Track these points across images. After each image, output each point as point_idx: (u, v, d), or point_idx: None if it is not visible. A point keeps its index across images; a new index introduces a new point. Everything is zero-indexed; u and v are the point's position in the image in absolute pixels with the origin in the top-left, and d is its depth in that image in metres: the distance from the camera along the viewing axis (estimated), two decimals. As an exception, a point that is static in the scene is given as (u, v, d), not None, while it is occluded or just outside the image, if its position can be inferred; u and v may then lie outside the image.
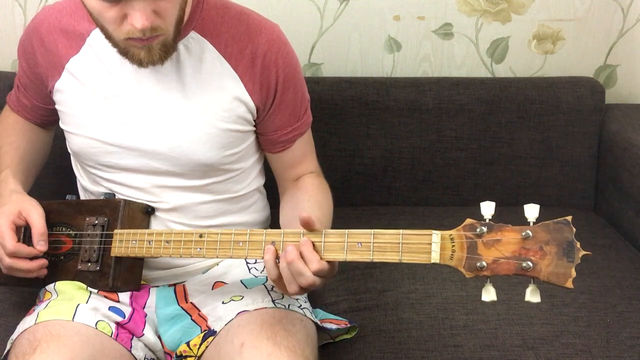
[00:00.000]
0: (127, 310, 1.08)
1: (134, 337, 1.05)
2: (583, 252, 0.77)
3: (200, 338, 1.02)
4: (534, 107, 1.55)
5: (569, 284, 0.76)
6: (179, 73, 1.07)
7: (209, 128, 1.08)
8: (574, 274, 0.76)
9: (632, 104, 1.68)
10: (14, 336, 1.02)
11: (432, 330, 1.16)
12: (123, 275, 1.07)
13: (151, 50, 0.96)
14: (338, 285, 1.31)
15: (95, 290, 1.08)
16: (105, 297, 1.08)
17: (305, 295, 1.16)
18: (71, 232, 1.11)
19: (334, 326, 1.11)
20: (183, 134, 1.07)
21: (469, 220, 0.82)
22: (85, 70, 1.09)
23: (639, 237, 1.44)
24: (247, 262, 1.17)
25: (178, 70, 1.06)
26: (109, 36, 0.97)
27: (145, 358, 1.05)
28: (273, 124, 1.13)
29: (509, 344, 1.13)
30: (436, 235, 0.83)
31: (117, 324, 1.04)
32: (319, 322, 1.08)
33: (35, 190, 1.22)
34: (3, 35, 1.61)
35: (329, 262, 0.89)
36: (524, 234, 0.78)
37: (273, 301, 1.04)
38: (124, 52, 0.98)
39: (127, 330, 1.05)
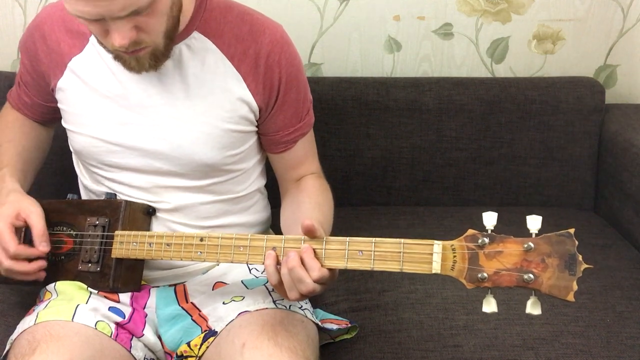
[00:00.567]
0: (127, 311, 1.07)
1: (134, 338, 1.05)
2: (585, 266, 0.77)
3: (201, 338, 1.02)
4: (534, 107, 1.55)
5: (571, 297, 0.76)
6: (181, 73, 1.06)
7: (211, 128, 1.07)
8: (575, 287, 0.76)
9: (632, 104, 1.68)
10: (13, 336, 1.02)
11: (432, 330, 1.16)
12: (123, 276, 1.07)
13: (140, 60, 0.97)
14: (338, 285, 1.31)
15: (95, 291, 1.08)
16: (106, 297, 1.08)
17: (306, 296, 1.17)
18: (72, 232, 1.11)
19: (334, 326, 1.11)
20: (185, 134, 1.07)
21: (470, 231, 0.82)
22: (88, 69, 1.09)
23: (639, 237, 1.44)
24: (250, 264, 1.17)
25: (180, 70, 1.06)
26: (100, 43, 0.99)
27: (145, 358, 1.05)
28: (275, 124, 1.13)
29: (509, 344, 1.13)
30: (437, 246, 0.83)
31: (117, 324, 1.04)
32: (319, 324, 1.08)
33: (36, 189, 1.22)
34: (3, 35, 1.61)
35: (329, 269, 0.89)
36: (525, 245, 0.78)
37: (274, 302, 1.04)
38: (117, 59, 1.00)
39: (126, 330, 1.05)
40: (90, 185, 1.17)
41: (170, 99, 1.07)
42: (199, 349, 1.01)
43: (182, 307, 1.10)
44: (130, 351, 1.03)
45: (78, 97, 1.10)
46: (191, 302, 1.11)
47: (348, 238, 0.88)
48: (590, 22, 1.63)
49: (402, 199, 1.61)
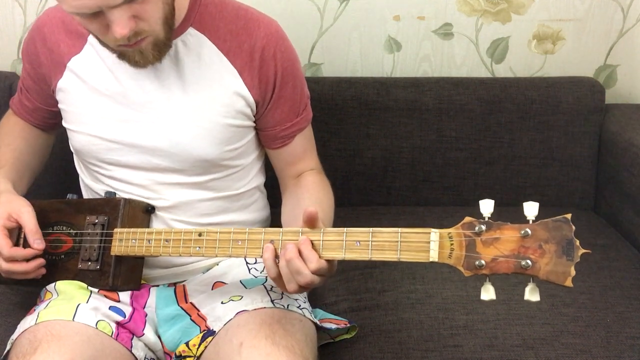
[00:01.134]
0: (128, 310, 1.08)
1: (134, 337, 1.05)
2: (583, 251, 0.76)
3: (200, 338, 1.02)
4: (534, 107, 1.55)
5: (569, 283, 0.75)
6: (177, 69, 1.07)
7: (208, 123, 1.08)
8: (573, 272, 0.76)
9: (632, 104, 1.68)
10: (14, 336, 1.02)
11: (432, 330, 1.16)
12: (123, 275, 1.07)
13: (143, 52, 0.98)
14: (338, 285, 1.31)
15: (96, 290, 1.08)
16: (106, 296, 1.08)
17: (305, 295, 1.17)
18: (71, 231, 1.11)
19: (333, 326, 1.11)
20: (183, 130, 1.08)
21: (467, 219, 0.81)
22: (86, 68, 1.10)
23: (639, 237, 1.44)
24: (247, 263, 1.17)
25: (177, 66, 1.07)
26: (102, 43, 0.99)
27: (145, 358, 1.06)
28: (272, 119, 1.13)
29: (509, 344, 1.13)
30: (435, 234, 0.83)
31: (118, 323, 1.04)
32: (318, 322, 1.08)
33: (36, 189, 1.23)
34: (3, 35, 1.61)
35: (327, 261, 0.89)
36: (523, 232, 0.78)
37: (272, 301, 1.04)
38: (121, 56, 1.00)
39: (127, 330, 1.05)
40: (91, 183, 1.17)
41: (167, 96, 1.07)
42: (198, 349, 1.01)
43: (181, 307, 1.10)
44: (131, 350, 1.03)
45: (77, 96, 1.11)
46: (190, 302, 1.11)
47: (345, 229, 0.88)
48: (590, 22, 1.63)
49: (402, 199, 1.61)
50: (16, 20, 1.60)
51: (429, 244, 0.83)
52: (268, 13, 1.13)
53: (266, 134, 1.15)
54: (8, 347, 1.02)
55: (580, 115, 1.56)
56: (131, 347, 1.03)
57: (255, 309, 1.01)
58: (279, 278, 0.91)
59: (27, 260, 1.06)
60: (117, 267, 1.06)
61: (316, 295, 1.29)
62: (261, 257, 0.92)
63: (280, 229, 0.93)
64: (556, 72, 1.67)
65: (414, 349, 1.13)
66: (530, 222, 0.78)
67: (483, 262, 0.79)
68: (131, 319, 1.06)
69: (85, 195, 1.22)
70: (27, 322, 1.02)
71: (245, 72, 1.08)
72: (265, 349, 0.93)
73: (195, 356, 1.02)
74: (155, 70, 1.06)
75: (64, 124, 1.16)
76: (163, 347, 1.08)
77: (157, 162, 1.10)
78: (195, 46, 1.07)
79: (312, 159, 1.20)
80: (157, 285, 1.15)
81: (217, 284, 1.12)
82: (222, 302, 1.06)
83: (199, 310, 1.09)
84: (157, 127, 1.08)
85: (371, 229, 0.87)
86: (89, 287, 1.08)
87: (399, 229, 0.85)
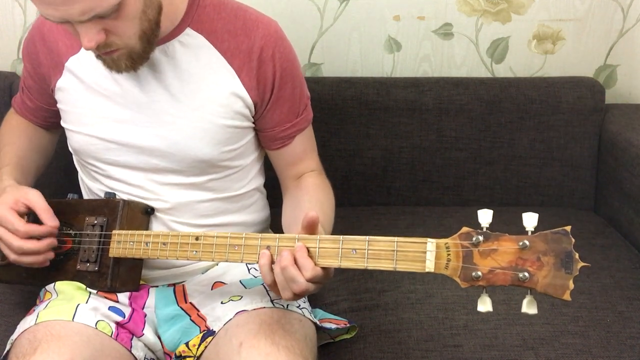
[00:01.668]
0: (127, 310, 1.08)
1: (134, 337, 1.05)
2: (582, 264, 0.75)
3: (199, 338, 1.02)
4: (534, 107, 1.55)
5: (567, 296, 0.74)
6: (175, 70, 1.07)
7: (206, 124, 1.08)
8: (571, 285, 0.74)
9: (632, 104, 1.68)
10: (14, 336, 1.02)
11: (432, 330, 1.16)
12: (121, 276, 1.07)
13: (115, 61, 0.97)
14: (338, 285, 1.31)
15: (95, 291, 1.08)
16: (105, 297, 1.08)
17: (305, 295, 1.17)
18: (71, 231, 1.11)
19: (333, 326, 1.11)
20: (180, 130, 1.07)
21: (465, 229, 0.80)
22: (84, 68, 1.10)
23: (639, 237, 1.44)
24: (246, 263, 1.17)
25: (175, 67, 1.07)
26: None
27: (145, 358, 1.06)
28: (271, 119, 1.13)
29: (509, 344, 1.13)
30: (431, 244, 0.82)
31: (117, 323, 1.04)
32: (317, 322, 1.08)
33: (36, 189, 1.22)
34: (3, 35, 1.61)
35: (323, 268, 0.88)
36: (521, 243, 0.76)
37: (272, 301, 1.04)
38: (97, 58, 1.00)
39: (127, 330, 1.05)
40: (90, 183, 1.17)
41: (165, 96, 1.07)
42: (197, 349, 1.01)
43: (181, 307, 1.10)
44: (130, 351, 1.03)
45: (76, 96, 1.11)
46: (190, 302, 1.11)
47: (342, 236, 0.87)
48: (590, 22, 1.63)
49: (402, 199, 1.61)
50: (16, 20, 1.60)
51: (425, 254, 0.81)
52: (268, 13, 1.13)
53: (265, 134, 1.15)
54: (8, 347, 1.02)
55: (580, 115, 1.56)
56: (131, 347, 1.03)
57: (254, 309, 1.01)
58: (274, 285, 0.90)
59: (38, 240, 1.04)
60: (115, 268, 1.06)
61: (316, 295, 1.29)
62: (257, 262, 0.92)
63: (277, 235, 0.92)
64: (556, 72, 1.67)
65: (414, 349, 1.13)
66: (529, 233, 0.77)
67: (480, 273, 0.78)
68: (130, 319, 1.06)
69: (86, 195, 1.22)
70: (27, 322, 1.02)
71: (244, 72, 1.08)
72: (264, 349, 0.93)
73: (195, 356, 1.02)
74: (153, 70, 1.06)
75: (62, 123, 1.16)
76: (163, 347, 1.08)
77: (155, 163, 1.10)
78: (193, 46, 1.07)
79: (312, 159, 1.19)
80: (156, 286, 1.15)
81: (216, 284, 1.12)
82: (221, 302, 1.06)
83: (198, 311, 1.09)
84: (155, 128, 1.08)
85: (368, 237, 0.86)
86: (88, 288, 1.08)
87: (395, 238, 0.84)
